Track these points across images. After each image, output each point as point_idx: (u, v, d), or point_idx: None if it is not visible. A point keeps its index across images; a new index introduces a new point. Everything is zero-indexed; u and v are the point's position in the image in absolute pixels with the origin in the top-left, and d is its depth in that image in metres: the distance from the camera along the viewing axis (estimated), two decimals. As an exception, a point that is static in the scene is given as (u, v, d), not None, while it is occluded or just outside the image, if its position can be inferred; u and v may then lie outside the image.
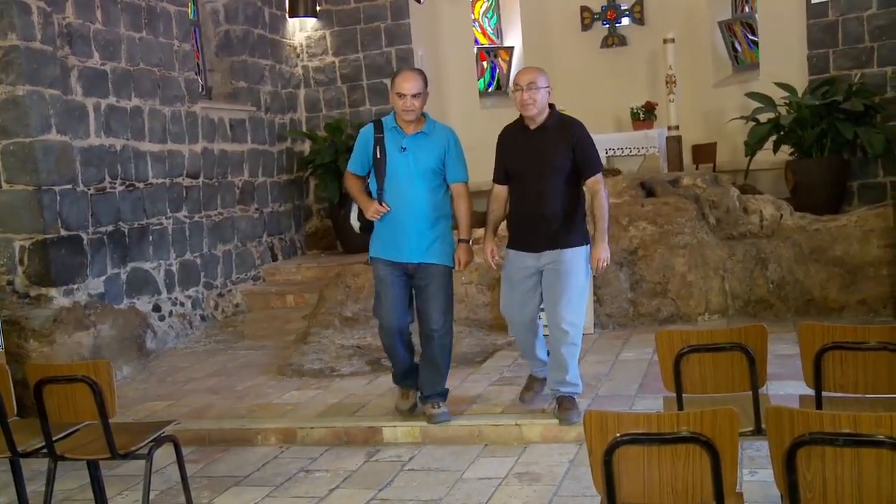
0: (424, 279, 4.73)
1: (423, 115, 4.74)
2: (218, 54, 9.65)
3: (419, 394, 5.00)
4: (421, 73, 4.69)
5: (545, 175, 4.53)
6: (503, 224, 4.92)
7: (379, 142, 4.70)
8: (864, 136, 8.99)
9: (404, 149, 4.66)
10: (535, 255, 4.62)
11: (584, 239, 4.64)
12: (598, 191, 4.54)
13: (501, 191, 4.78)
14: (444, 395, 4.96)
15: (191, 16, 9.13)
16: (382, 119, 4.78)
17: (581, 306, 4.61)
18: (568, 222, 4.57)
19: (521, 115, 4.60)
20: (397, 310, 4.77)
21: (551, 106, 4.61)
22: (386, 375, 5.90)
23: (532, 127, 4.59)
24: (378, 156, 4.68)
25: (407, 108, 4.59)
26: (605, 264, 4.55)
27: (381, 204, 4.67)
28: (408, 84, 4.60)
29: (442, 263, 4.74)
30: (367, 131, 4.79)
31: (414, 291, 4.83)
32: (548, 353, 4.80)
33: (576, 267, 4.56)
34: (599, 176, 4.59)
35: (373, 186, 4.77)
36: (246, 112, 9.62)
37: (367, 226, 4.80)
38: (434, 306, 4.73)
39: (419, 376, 4.95)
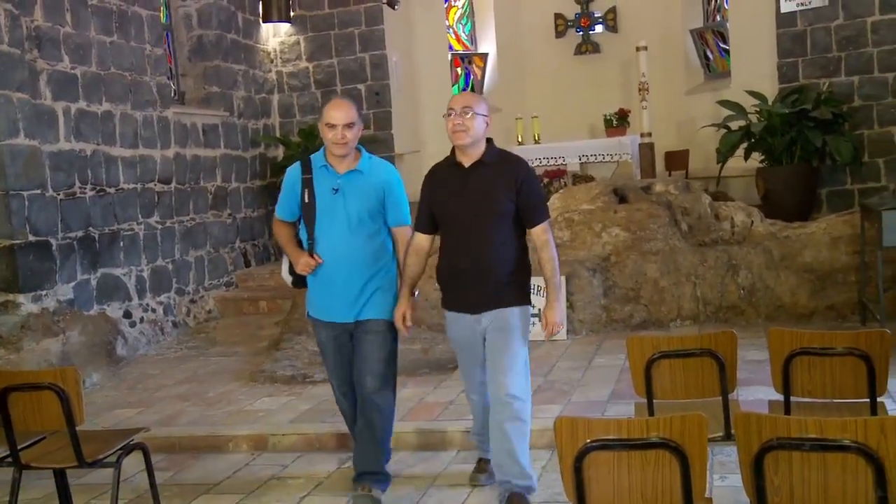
0: (362, 337, 4.06)
1: (358, 149, 4.08)
2: (191, 59, 9.59)
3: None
4: (352, 101, 4.09)
5: (484, 221, 3.80)
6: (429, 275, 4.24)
7: (307, 183, 4.03)
8: (832, 144, 9.10)
9: (336, 190, 3.99)
10: (474, 316, 3.88)
11: (528, 297, 3.97)
12: (545, 241, 3.84)
13: (424, 242, 4.00)
14: (379, 478, 4.15)
15: (163, 20, 9.07)
16: (311, 156, 4.12)
17: (527, 375, 3.91)
18: (511, 277, 3.85)
19: (452, 152, 3.89)
20: (343, 374, 4.16)
21: (489, 141, 3.90)
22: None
23: (466, 164, 3.85)
24: (306, 199, 4.02)
25: (338, 140, 3.92)
26: (559, 329, 3.89)
27: (311, 255, 4.01)
28: (338, 112, 3.94)
29: (380, 318, 4.04)
30: (294, 171, 4.13)
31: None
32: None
33: (522, 330, 3.88)
34: (547, 225, 3.88)
35: (303, 235, 4.10)
36: (219, 117, 9.56)
37: (301, 279, 4.15)
38: (368, 367, 4.03)
39: (354, 449, 4.26)
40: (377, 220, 4.03)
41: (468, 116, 3.75)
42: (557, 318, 3.85)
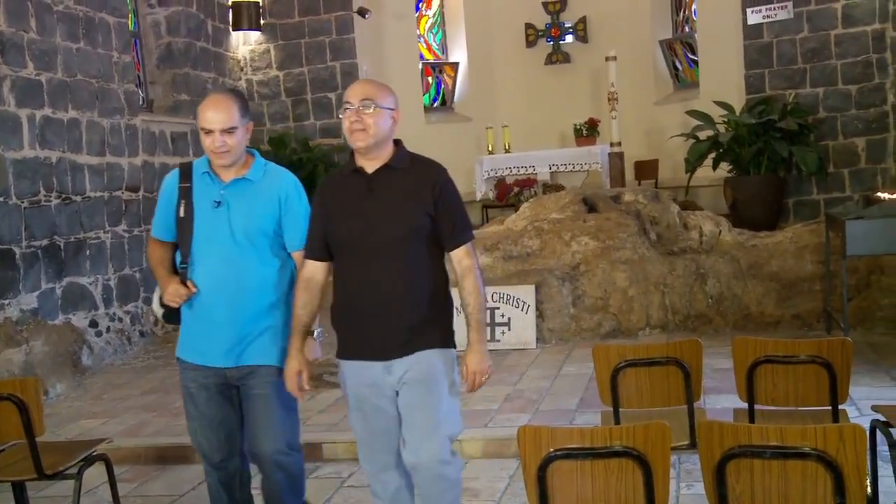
0: (250, 388, 3.29)
1: (251, 153, 3.35)
2: (159, 66, 9.52)
3: None
4: (236, 97, 3.30)
5: (392, 242, 2.97)
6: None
7: (184, 193, 3.27)
8: (798, 154, 9.23)
9: (219, 203, 3.23)
10: (383, 364, 3.00)
11: (451, 338, 3.13)
12: (468, 268, 3.03)
13: (318, 272, 3.11)
14: None
15: (131, 27, 9.00)
16: (194, 161, 3.37)
17: (456, 429, 3.12)
18: (430, 312, 3.03)
19: (352, 156, 3.08)
20: (219, 439, 3.34)
21: (398, 143, 3.11)
22: (328, 391, 5.85)
23: (369, 170, 3.03)
24: (182, 213, 3.25)
25: (217, 149, 3.17)
26: (484, 379, 3.09)
27: (184, 283, 3.24)
28: (215, 114, 3.18)
29: (274, 365, 3.28)
30: (171, 180, 3.37)
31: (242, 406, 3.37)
32: None
33: (448, 377, 3.05)
34: (470, 246, 3.06)
35: (179, 257, 3.35)
36: (188, 125, 9.49)
37: (174, 313, 3.34)
38: (262, 428, 3.28)
39: None
40: (271, 241, 3.27)
41: (369, 111, 2.95)
42: (481, 365, 3.05)
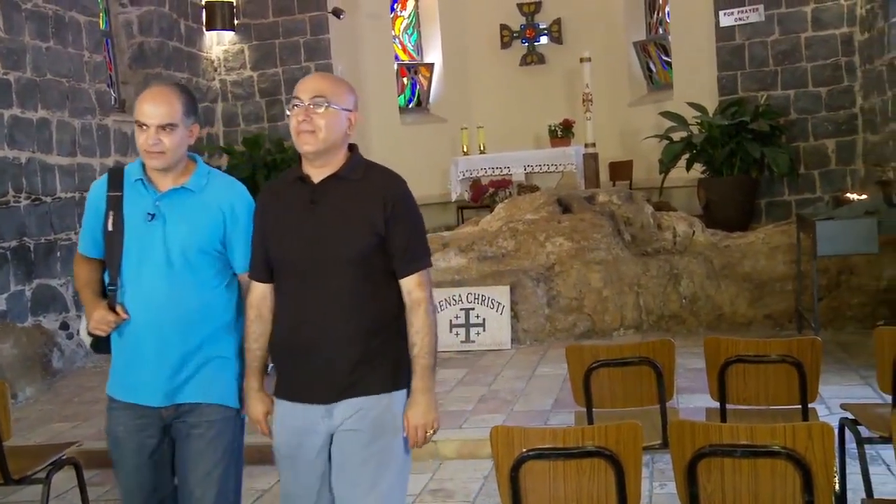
0: (186, 429, 2.78)
1: (193, 158, 2.86)
2: (132, 66, 9.44)
3: None
4: (181, 91, 2.82)
5: (334, 266, 2.55)
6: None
7: (114, 204, 2.80)
8: (770, 155, 9.32)
9: (153, 215, 2.76)
10: (323, 408, 2.57)
11: (403, 378, 2.62)
12: (419, 301, 2.58)
13: (268, 296, 2.69)
14: None
15: (102, 26, 8.91)
16: (126, 167, 2.88)
17: (403, 493, 2.66)
18: (379, 348, 2.57)
19: (299, 161, 2.68)
20: (144, 490, 2.83)
21: (353, 148, 2.67)
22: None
23: (316, 179, 2.61)
24: (110, 227, 2.78)
25: (151, 147, 2.71)
26: (430, 434, 2.59)
27: (114, 308, 2.76)
28: (152, 107, 2.73)
29: (217, 403, 2.78)
30: (98, 188, 2.87)
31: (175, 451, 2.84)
32: None
33: (396, 425, 2.58)
34: (425, 276, 2.61)
35: (109, 277, 2.85)
36: (160, 125, 9.40)
37: (103, 341, 2.84)
38: (196, 477, 2.77)
39: None
40: (213, 260, 2.80)
41: (321, 110, 2.54)
42: (425, 417, 2.55)
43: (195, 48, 10.40)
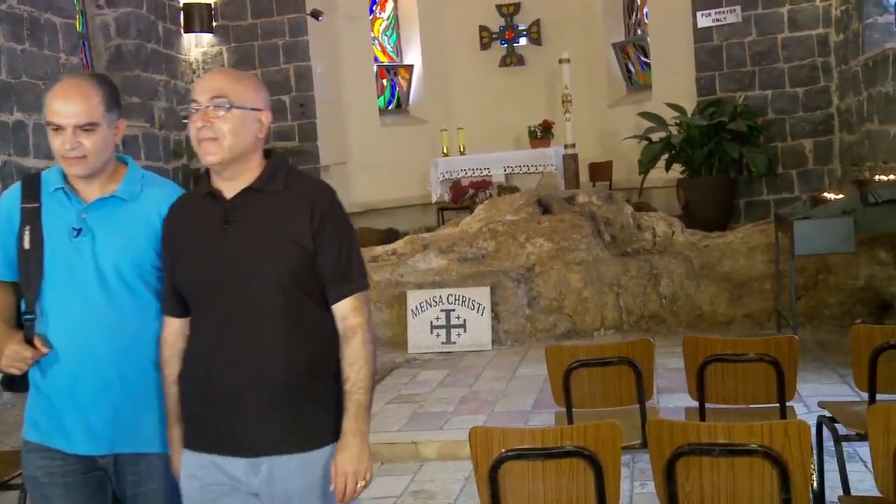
0: (132, 484, 2.38)
1: (123, 161, 2.46)
2: (109, 69, 9.37)
3: None
4: (99, 83, 2.38)
5: (255, 295, 2.19)
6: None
7: (30, 217, 2.37)
8: (748, 155, 9.38)
9: (79, 231, 2.34)
10: (246, 462, 2.19)
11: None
12: (354, 329, 2.21)
13: (179, 331, 2.32)
14: None
15: (79, 29, 8.85)
16: (44, 172, 2.45)
17: None
18: (314, 390, 2.20)
19: (207, 175, 2.31)
20: None
21: (269, 154, 2.33)
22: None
23: (228, 195, 2.26)
24: (27, 245, 2.35)
25: (69, 153, 2.31)
26: (360, 486, 2.21)
27: (32, 341, 2.32)
28: (66, 105, 2.31)
29: (164, 452, 2.37)
30: (9, 198, 2.43)
31: None
32: None
33: (327, 487, 2.20)
34: (362, 299, 2.25)
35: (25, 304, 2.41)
36: (139, 128, 9.35)
37: (19, 378, 2.38)
38: None
39: None
40: (156, 280, 2.38)
41: (222, 114, 2.18)
42: (356, 464, 2.18)
43: (173, 50, 10.34)
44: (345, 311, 2.23)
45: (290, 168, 2.35)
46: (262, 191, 2.25)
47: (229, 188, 2.26)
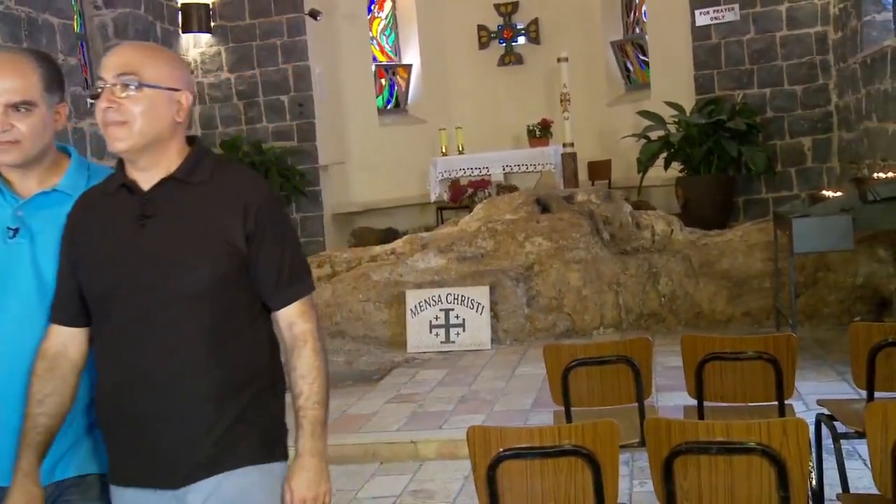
0: None
1: (64, 151, 2.17)
2: (107, 69, 9.37)
3: None
4: (38, 59, 2.08)
5: (177, 304, 1.91)
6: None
7: None
8: (747, 154, 9.38)
9: (15, 231, 2.05)
10: (170, 494, 1.93)
11: (280, 446, 2.02)
12: (303, 336, 1.99)
13: (70, 345, 2.01)
14: None
15: (77, 29, 8.84)
16: None
17: None
18: (244, 411, 1.93)
19: (121, 165, 1.99)
20: None
21: (193, 141, 2.03)
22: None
23: (145, 186, 1.97)
24: None
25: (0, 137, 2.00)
26: None
27: None
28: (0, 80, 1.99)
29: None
30: None
31: None
32: None
33: None
34: (308, 303, 2.02)
35: None
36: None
37: None
38: None
39: None
40: None
41: (131, 93, 1.88)
42: (313, 489, 1.95)
43: (172, 50, 10.32)
44: (291, 317, 1.98)
45: (218, 157, 2.06)
46: (185, 182, 1.95)
47: (145, 179, 1.95)
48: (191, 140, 2.03)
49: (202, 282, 1.90)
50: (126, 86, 1.89)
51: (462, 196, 10.46)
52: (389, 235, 10.11)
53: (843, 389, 4.85)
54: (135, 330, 1.91)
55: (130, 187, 1.97)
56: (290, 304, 1.99)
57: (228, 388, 1.92)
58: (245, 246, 1.93)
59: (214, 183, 1.96)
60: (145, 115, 1.90)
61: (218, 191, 1.95)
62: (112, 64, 1.91)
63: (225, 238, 1.91)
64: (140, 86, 1.90)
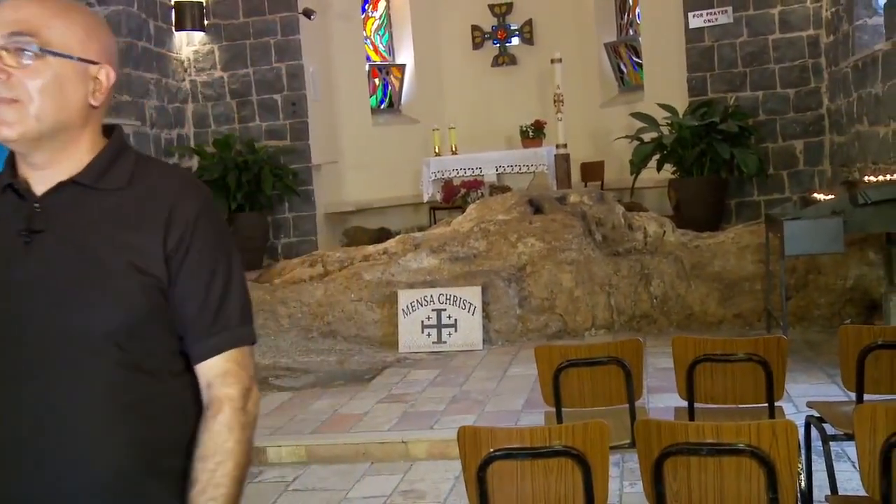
0: None
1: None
2: (100, 66, 9.34)
3: None
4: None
5: (78, 349, 1.40)
6: None
7: None
8: (739, 156, 9.41)
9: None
10: None
11: None
12: (222, 402, 1.47)
13: None
14: None
15: (70, 26, 8.81)
16: None
17: None
18: (162, 497, 1.45)
19: (11, 160, 1.51)
20: None
21: (111, 131, 1.54)
22: (273, 394, 5.80)
23: (39, 190, 1.47)
24: None
25: None
26: None
27: None
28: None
29: None
30: None
31: None
32: None
33: None
34: (241, 356, 1.51)
35: None
36: (130, 126, 9.32)
37: None
38: None
39: None
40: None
41: (26, 62, 1.40)
42: None
43: (165, 49, 10.30)
44: (211, 374, 1.47)
45: (141, 155, 1.54)
46: (94, 188, 1.46)
47: (42, 181, 1.46)
48: (108, 131, 1.53)
49: (106, 324, 1.39)
50: (21, 50, 1.39)
51: (455, 196, 10.46)
52: (382, 235, 10.10)
53: (833, 392, 4.87)
54: (12, 386, 1.39)
55: (19, 190, 1.45)
56: (212, 357, 1.47)
57: (138, 466, 1.42)
58: (165, 274, 1.43)
59: (134, 189, 1.46)
60: (46, 92, 1.40)
61: (137, 200, 1.45)
62: (3, 20, 1.40)
63: (139, 264, 1.41)
64: (42, 52, 1.40)
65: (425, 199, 11.03)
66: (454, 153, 11.23)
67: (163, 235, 1.43)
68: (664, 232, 7.60)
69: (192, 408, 1.49)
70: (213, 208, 1.52)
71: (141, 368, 1.43)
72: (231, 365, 1.48)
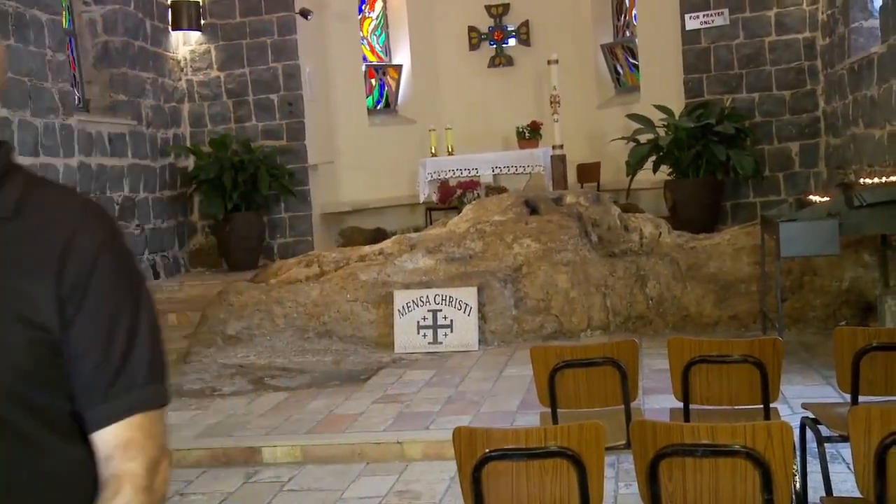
0: None
1: None
2: (96, 66, 9.33)
3: None
4: None
5: None
6: None
7: None
8: (735, 158, 9.43)
9: None
10: None
11: None
12: (122, 480, 1.17)
13: None
14: None
15: (66, 25, 8.81)
16: None
17: None
18: None
19: None
20: None
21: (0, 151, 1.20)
22: (269, 394, 5.80)
23: None
24: None
25: None
26: None
27: None
28: None
29: None
30: None
31: None
32: None
33: None
34: (148, 423, 1.22)
35: None
36: (126, 126, 9.32)
37: None
38: None
39: None
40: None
41: None
42: None
43: (161, 48, 10.30)
44: (110, 446, 1.20)
45: (33, 177, 1.25)
46: None
47: None
48: None
49: None
50: None
51: (451, 197, 10.47)
52: (378, 235, 10.10)
53: (828, 393, 4.88)
54: None
55: None
56: (108, 424, 1.20)
57: None
58: (57, 324, 1.16)
59: (23, 219, 1.19)
60: None
61: (25, 234, 1.18)
62: None
63: (25, 314, 1.15)
64: None
65: (421, 199, 11.03)
66: (450, 154, 11.23)
67: (55, 276, 1.16)
68: (660, 233, 7.60)
69: (95, 488, 1.21)
70: (119, 241, 1.24)
71: (28, 438, 1.16)
72: (135, 433, 1.20)
